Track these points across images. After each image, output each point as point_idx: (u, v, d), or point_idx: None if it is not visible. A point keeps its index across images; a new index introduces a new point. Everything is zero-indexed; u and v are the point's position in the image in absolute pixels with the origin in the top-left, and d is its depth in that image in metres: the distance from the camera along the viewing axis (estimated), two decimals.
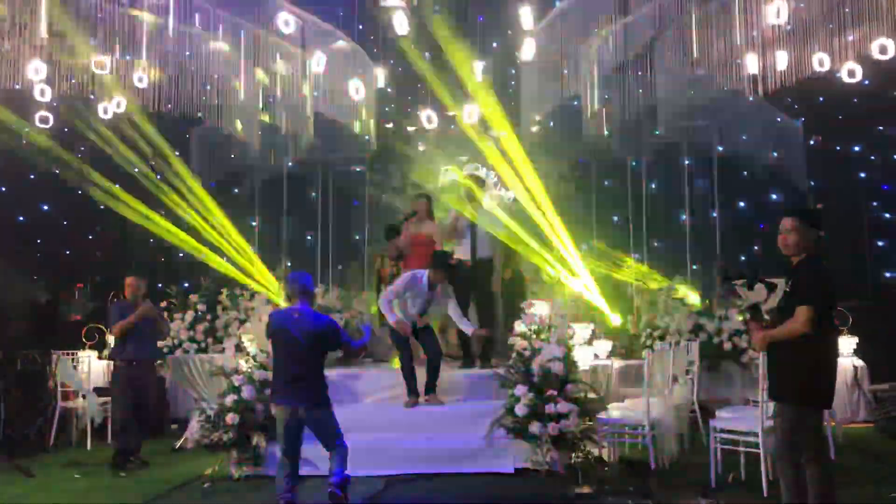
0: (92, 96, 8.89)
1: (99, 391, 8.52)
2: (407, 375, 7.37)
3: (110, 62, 8.56)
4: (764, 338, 4.66)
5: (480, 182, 8.81)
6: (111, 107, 8.99)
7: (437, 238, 8.46)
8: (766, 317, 4.85)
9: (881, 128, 11.33)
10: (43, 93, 8.53)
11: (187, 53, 8.83)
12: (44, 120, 9.08)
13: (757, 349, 4.79)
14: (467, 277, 8.11)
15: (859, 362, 8.77)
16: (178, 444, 7.98)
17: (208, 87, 9.10)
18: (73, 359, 8.72)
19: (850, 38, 7.89)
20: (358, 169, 12.14)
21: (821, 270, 4.56)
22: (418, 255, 8.36)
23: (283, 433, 5.45)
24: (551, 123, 10.63)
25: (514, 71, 10.91)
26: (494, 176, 11.29)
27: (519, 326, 7.70)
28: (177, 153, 10.52)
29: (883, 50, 7.64)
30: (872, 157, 11.55)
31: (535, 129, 10.32)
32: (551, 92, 9.55)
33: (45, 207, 11.79)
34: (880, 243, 11.41)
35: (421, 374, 7.40)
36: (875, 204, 11.52)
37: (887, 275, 11.36)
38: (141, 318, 7.35)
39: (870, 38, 7.70)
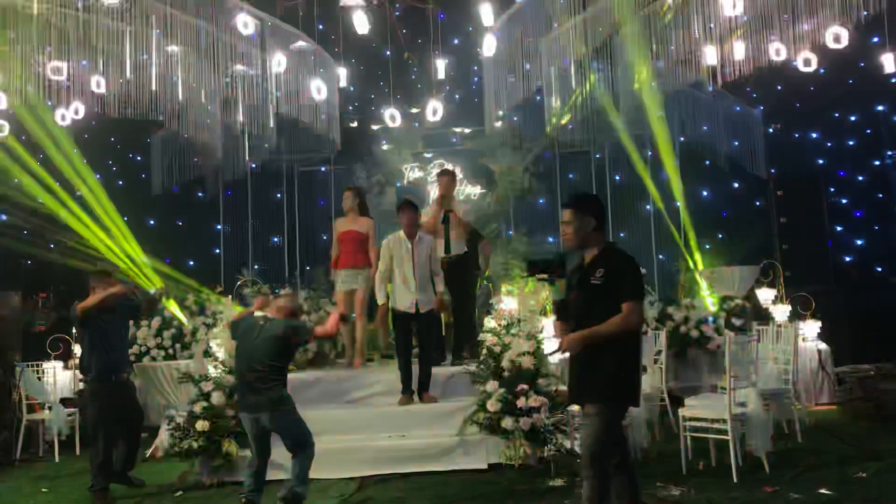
0: (49, 103, 8.75)
1: (65, 402, 8.40)
2: (403, 369, 7.21)
3: (67, 68, 8.43)
4: (583, 337, 4.11)
5: (454, 177, 8.73)
6: (69, 113, 8.85)
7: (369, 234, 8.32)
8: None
9: (837, 115, 11.54)
10: None
11: (144, 57, 8.72)
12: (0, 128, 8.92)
13: (568, 350, 4.16)
14: (445, 274, 8.06)
15: (823, 346, 8.93)
16: (148, 453, 7.89)
17: (168, 91, 9.00)
18: (37, 370, 8.58)
19: (805, 27, 8.02)
20: (323, 169, 12.11)
21: (633, 261, 4.22)
22: (346, 253, 8.26)
23: (252, 439, 5.52)
24: (514, 118, 10.67)
25: (476, 67, 10.94)
26: (460, 172, 11.33)
27: (488, 322, 7.72)
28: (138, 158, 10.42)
29: (837, 38, 7.78)
30: (829, 144, 11.76)
31: (498, 124, 10.35)
32: (514, 87, 9.59)
33: (4, 217, 11.58)
34: (839, 228, 11.63)
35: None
36: (832, 190, 11.74)
37: (847, 259, 11.58)
38: (116, 295, 6.43)
39: (824, 27, 7.85)
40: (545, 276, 4.26)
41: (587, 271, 4.20)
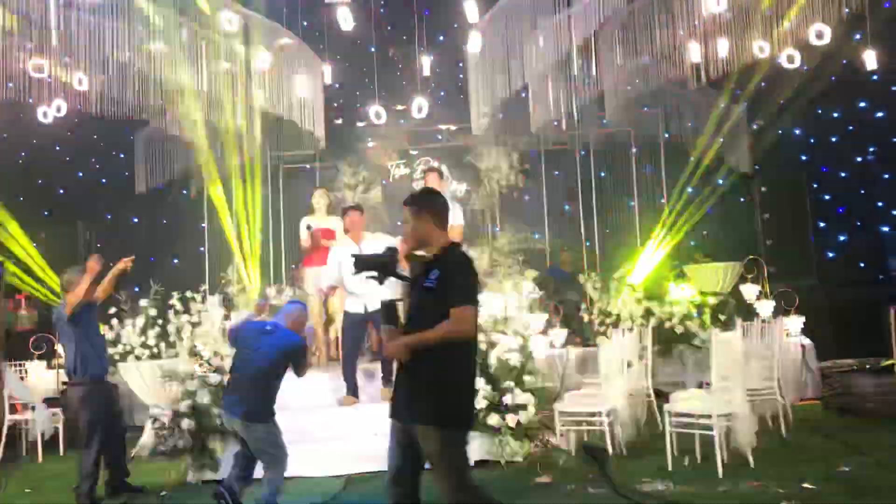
0: (30, 100, 8.68)
1: (49, 402, 8.33)
2: (347, 370, 7.29)
3: (48, 65, 8.36)
4: (407, 344, 3.73)
5: (440, 175, 8.72)
6: (51, 111, 8.78)
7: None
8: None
9: (819, 111, 11.61)
10: None
11: (128, 54, 8.66)
12: None
13: (394, 357, 3.83)
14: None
15: (806, 341, 8.99)
16: (133, 453, 7.84)
17: (151, 88, 8.93)
18: (20, 370, 8.51)
19: (788, 24, 8.07)
20: (308, 167, 12.07)
21: (468, 263, 3.88)
22: (321, 250, 8.31)
23: (236, 438, 5.51)
24: (500, 115, 10.68)
25: (461, 64, 10.93)
26: (445, 170, 11.33)
27: None
28: (121, 156, 10.35)
29: (819, 35, 7.83)
30: (812, 140, 11.83)
31: (484, 121, 10.35)
32: (499, 84, 9.59)
33: None
34: (822, 224, 11.71)
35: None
36: (815, 186, 11.81)
37: (830, 255, 11.67)
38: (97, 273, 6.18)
39: (807, 24, 7.90)
40: (374, 274, 4.00)
41: (423, 273, 3.89)
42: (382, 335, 4.04)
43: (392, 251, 4.06)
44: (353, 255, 4.14)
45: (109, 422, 6.29)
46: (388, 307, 3.97)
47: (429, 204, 3.96)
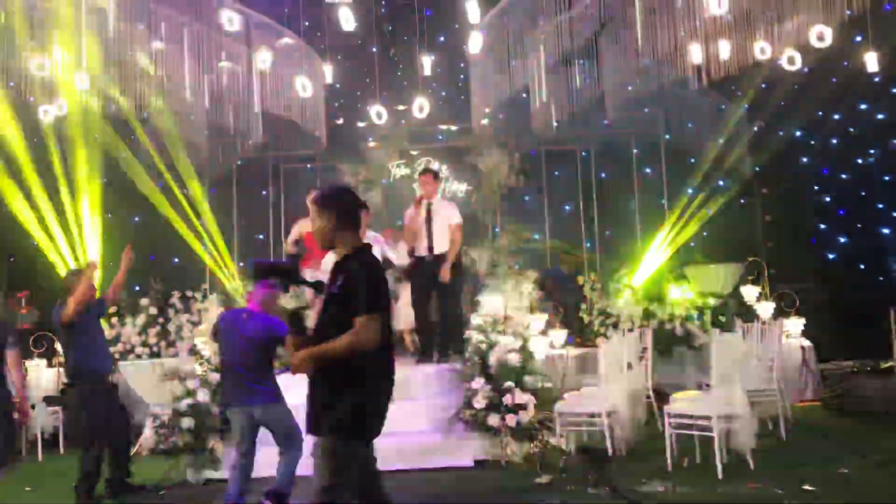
0: (31, 98, 8.68)
1: (49, 401, 8.33)
2: None
3: (50, 63, 8.36)
4: (311, 355, 3.50)
5: (437, 176, 8.73)
6: (52, 109, 8.78)
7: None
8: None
9: (820, 113, 11.60)
10: None
11: (129, 53, 8.66)
12: None
13: (296, 370, 3.55)
14: (428, 272, 8.08)
15: (806, 342, 9.00)
16: (132, 451, 7.84)
17: (153, 87, 8.94)
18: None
19: (790, 26, 8.07)
20: (309, 166, 12.07)
21: (374, 268, 3.65)
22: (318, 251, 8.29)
23: (240, 435, 5.44)
24: (501, 116, 10.67)
25: (462, 64, 10.93)
26: (446, 170, 11.34)
27: (475, 319, 7.72)
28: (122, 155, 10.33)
29: (821, 37, 7.83)
30: (812, 142, 11.83)
31: (485, 121, 10.35)
32: (500, 85, 9.59)
33: None
34: (822, 226, 11.71)
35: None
36: (816, 188, 11.81)
37: (830, 257, 11.66)
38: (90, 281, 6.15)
39: (808, 26, 7.90)
40: (276, 281, 3.73)
41: (331, 278, 3.67)
42: (288, 345, 3.81)
43: (294, 258, 3.86)
44: (254, 262, 3.95)
45: (112, 421, 6.27)
46: (293, 315, 3.79)
47: (334, 203, 3.70)
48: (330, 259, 7.42)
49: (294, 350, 3.62)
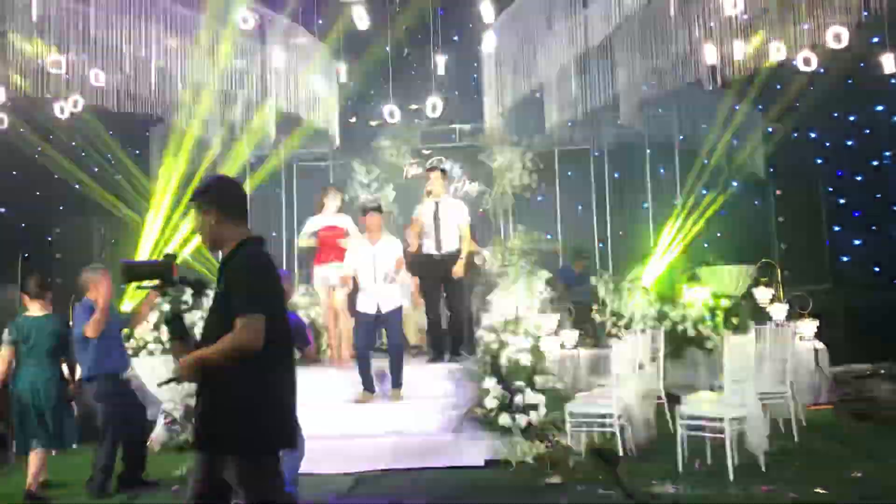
0: (48, 96, 8.74)
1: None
2: (363, 368, 7.41)
3: (65, 61, 8.42)
4: (195, 360, 3.17)
5: (445, 173, 8.76)
6: (68, 106, 8.84)
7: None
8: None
9: (836, 114, 11.54)
10: None
11: (144, 51, 8.71)
12: None
13: (183, 378, 3.23)
14: (437, 269, 8.10)
15: (820, 345, 8.94)
16: (146, 448, 7.87)
17: (167, 85, 8.98)
18: None
19: (806, 27, 8.03)
20: (322, 165, 12.10)
21: (259, 263, 3.30)
22: (335, 248, 8.39)
23: None
24: (514, 115, 10.66)
25: (476, 64, 10.93)
26: (459, 169, 11.34)
27: (487, 319, 7.73)
28: (136, 152, 10.41)
29: (837, 38, 7.77)
30: (827, 144, 11.77)
31: (498, 121, 10.35)
32: (513, 84, 9.58)
33: (2, 210, 11.57)
34: (836, 228, 11.64)
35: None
36: (830, 189, 11.75)
37: (844, 259, 11.60)
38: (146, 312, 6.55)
39: (824, 26, 7.85)
40: (151, 284, 3.45)
41: (217, 276, 3.35)
42: (172, 351, 3.45)
43: (169, 258, 3.53)
44: (123, 264, 3.55)
45: (126, 417, 6.28)
46: (173, 318, 3.44)
47: (214, 197, 3.37)
48: (352, 256, 7.51)
49: (176, 356, 3.29)
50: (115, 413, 6.16)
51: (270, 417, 3.23)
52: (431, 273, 8.17)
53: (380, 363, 7.71)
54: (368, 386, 7.42)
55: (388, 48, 11.02)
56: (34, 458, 6.12)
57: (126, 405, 6.33)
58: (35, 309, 6.30)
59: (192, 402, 6.53)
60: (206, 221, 3.34)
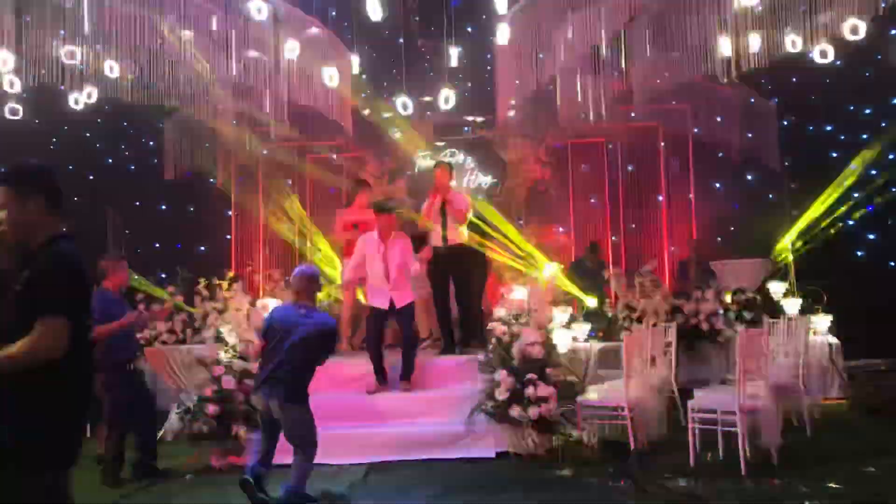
0: (62, 87, 8.77)
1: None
2: (374, 359, 7.44)
3: (80, 52, 8.44)
4: None
5: (451, 169, 8.76)
6: (82, 97, 8.88)
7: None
8: None
9: (852, 108, 11.44)
10: (12, 84, 8.40)
11: (159, 42, 8.73)
12: (14, 112, 8.95)
13: None
14: (444, 262, 8.11)
15: (833, 339, 8.89)
16: (158, 437, 7.92)
17: (181, 76, 9.00)
18: None
19: (822, 19, 7.95)
20: (334, 157, 12.11)
21: (67, 261, 2.99)
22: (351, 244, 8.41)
23: (261, 421, 5.60)
24: (528, 108, 10.63)
25: (489, 56, 10.90)
26: (471, 162, 11.33)
27: (498, 312, 7.72)
28: (151, 143, 10.46)
29: (854, 30, 7.70)
30: (843, 137, 11.67)
31: (511, 113, 10.32)
32: (527, 77, 9.54)
33: None
34: (850, 222, 11.55)
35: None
36: (845, 183, 11.65)
37: (858, 253, 11.51)
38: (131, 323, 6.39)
39: (841, 18, 7.77)
40: None
41: (19, 273, 3.00)
42: None
43: None
44: None
45: (136, 406, 6.33)
46: None
47: (43, 183, 3.08)
48: (361, 251, 7.53)
49: None
50: (121, 402, 6.21)
51: (64, 431, 2.96)
52: (438, 267, 8.19)
53: (393, 356, 7.73)
54: (380, 378, 7.46)
55: (401, 40, 11.01)
56: None
57: (134, 394, 6.36)
58: None
59: (207, 391, 6.66)
60: (24, 209, 2.99)
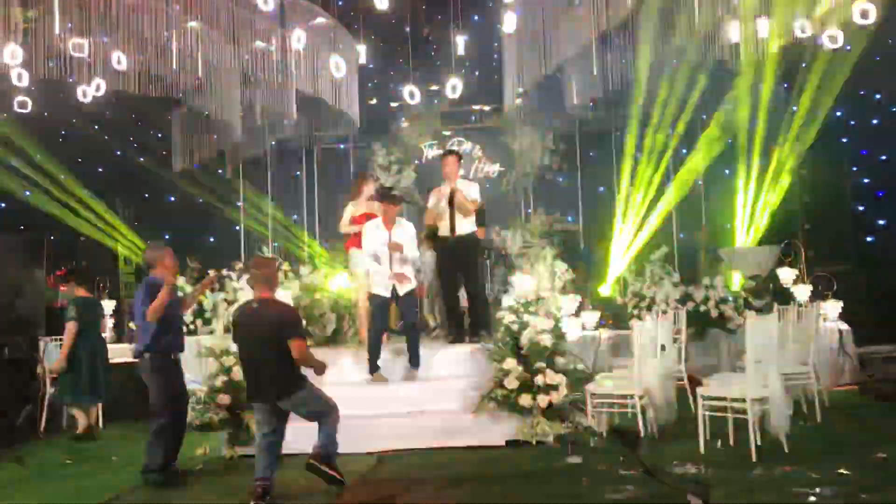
0: (71, 79, 8.80)
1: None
2: (371, 349, 7.43)
3: (88, 45, 8.46)
4: None
5: (460, 158, 8.73)
6: (90, 90, 8.90)
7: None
8: None
9: (862, 92, 11.37)
10: (21, 77, 8.43)
11: (165, 34, 8.74)
12: (22, 105, 8.99)
13: None
14: (452, 253, 8.10)
15: (844, 326, 8.87)
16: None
17: (188, 68, 9.01)
18: (61, 344, 8.65)
19: (832, 3, 7.90)
20: (342, 146, 12.12)
21: None
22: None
23: (264, 420, 5.42)
24: (535, 96, 10.61)
25: (496, 44, 10.87)
26: (479, 150, 11.31)
27: (507, 300, 7.72)
28: (159, 135, 10.49)
29: (864, 14, 7.64)
30: (852, 122, 11.60)
31: (518, 102, 10.29)
32: (534, 65, 9.51)
33: (28, 193, 11.70)
34: (861, 207, 11.50)
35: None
36: (855, 169, 11.59)
37: (868, 239, 11.46)
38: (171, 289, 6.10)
39: (851, 2, 7.72)
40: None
41: None
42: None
43: None
44: None
45: (175, 399, 6.19)
46: None
47: None
48: (367, 239, 7.52)
49: None
50: (167, 388, 6.09)
51: None
52: (447, 257, 8.18)
53: (395, 344, 7.74)
54: (374, 367, 7.42)
55: (407, 29, 10.99)
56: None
57: (177, 385, 6.27)
58: (82, 292, 7.97)
59: (218, 381, 6.69)
60: None
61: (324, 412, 5.43)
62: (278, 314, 5.38)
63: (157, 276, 6.14)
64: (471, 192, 8.15)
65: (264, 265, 5.67)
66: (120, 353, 9.09)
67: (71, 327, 7.72)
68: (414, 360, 7.43)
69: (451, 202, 8.12)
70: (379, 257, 7.41)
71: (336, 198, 11.90)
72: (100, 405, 8.21)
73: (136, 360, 6.20)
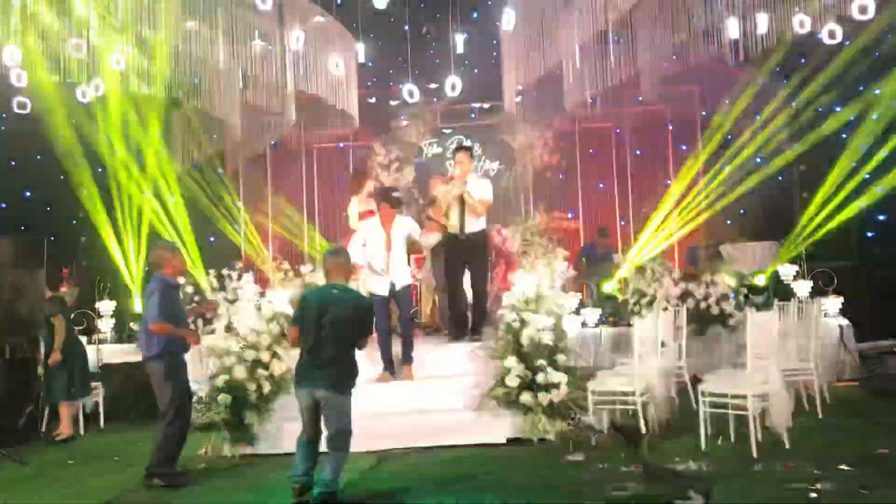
0: (70, 80, 8.79)
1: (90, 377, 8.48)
2: (382, 347, 7.43)
3: (87, 45, 8.45)
4: None
5: (472, 153, 8.70)
6: (90, 90, 8.89)
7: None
8: None
9: (861, 88, 11.34)
10: (20, 78, 8.42)
11: (164, 33, 8.73)
12: (22, 105, 8.98)
13: None
14: (461, 250, 8.08)
15: (844, 322, 8.86)
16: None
17: (187, 67, 9.00)
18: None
19: None
20: (341, 145, 12.12)
21: None
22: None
23: (304, 415, 5.34)
24: (534, 93, 10.59)
25: (495, 42, 10.85)
26: (479, 148, 11.30)
27: (508, 298, 7.71)
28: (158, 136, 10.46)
29: (863, 10, 7.64)
30: (852, 118, 11.57)
31: (518, 99, 10.29)
32: (533, 62, 9.50)
33: (28, 194, 11.69)
34: (860, 203, 11.47)
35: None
36: (855, 164, 11.56)
37: (869, 235, 11.45)
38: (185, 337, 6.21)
39: None
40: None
41: None
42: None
43: None
44: None
45: (184, 399, 6.17)
46: None
47: None
48: (361, 237, 7.53)
49: None
50: (181, 389, 6.09)
51: None
52: (455, 254, 8.15)
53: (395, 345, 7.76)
54: (389, 367, 7.43)
55: (406, 27, 10.98)
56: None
57: (186, 385, 6.24)
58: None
59: (218, 381, 6.69)
60: None
61: (347, 432, 5.30)
62: (356, 300, 5.48)
63: (167, 274, 6.15)
64: (482, 190, 8.07)
65: (341, 253, 5.67)
66: (120, 353, 9.10)
67: (60, 321, 8.00)
68: (406, 357, 7.42)
69: (461, 199, 8.06)
70: (374, 258, 7.41)
71: (336, 197, 11.94)
72: (82, 406, 8.26)
73: (147, 362, 6.14)
